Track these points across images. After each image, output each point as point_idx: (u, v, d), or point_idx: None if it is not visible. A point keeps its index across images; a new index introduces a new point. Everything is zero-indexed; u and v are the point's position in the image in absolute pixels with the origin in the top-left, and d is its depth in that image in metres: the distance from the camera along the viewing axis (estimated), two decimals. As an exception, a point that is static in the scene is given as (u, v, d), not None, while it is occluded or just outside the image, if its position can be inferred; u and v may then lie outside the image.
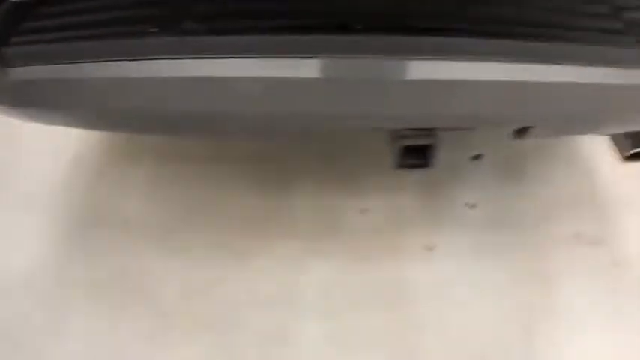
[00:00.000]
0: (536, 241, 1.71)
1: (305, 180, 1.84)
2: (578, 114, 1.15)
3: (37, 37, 1.11)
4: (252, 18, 1.07)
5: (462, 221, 1.75)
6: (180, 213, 1.75)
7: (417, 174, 1.82)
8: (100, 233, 1.71)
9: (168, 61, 1.00)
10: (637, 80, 1.09)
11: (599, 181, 1.93)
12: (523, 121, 1.16)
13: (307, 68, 1.00)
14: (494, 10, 1.09)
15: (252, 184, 1.82)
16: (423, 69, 1.01)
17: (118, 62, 1.03)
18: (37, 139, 1.89)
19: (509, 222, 1.76)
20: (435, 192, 1.84)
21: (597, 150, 1.97)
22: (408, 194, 1.82)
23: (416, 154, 1.19)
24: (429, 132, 1.16)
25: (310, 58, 0.99)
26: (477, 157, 1.97)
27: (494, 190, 1.86)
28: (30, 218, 1.76)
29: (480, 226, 1.74)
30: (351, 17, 1.04)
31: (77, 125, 1.39)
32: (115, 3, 1.15)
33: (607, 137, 1.95)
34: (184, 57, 1.01)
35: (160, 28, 1.03)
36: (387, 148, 1.25)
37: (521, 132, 1.22)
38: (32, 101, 1.15)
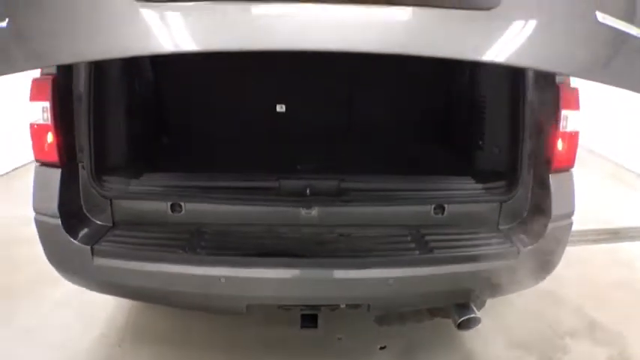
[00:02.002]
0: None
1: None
2: (393, 295, 2.13)
3: (111, 244, 2.16)
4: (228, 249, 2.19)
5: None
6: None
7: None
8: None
9: (184, 266, 2.06)
10: (427, 272, 2.08)
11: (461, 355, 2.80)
12: (360, 300, 2.17)
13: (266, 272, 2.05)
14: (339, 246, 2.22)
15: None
16: (312, 274, 2.08)
17: (157, 264, 2.07)
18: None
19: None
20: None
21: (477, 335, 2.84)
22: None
23: (309, 320, 2.18)
24: (315, 307, 2.18)
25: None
26: (382, 348, 2.86)
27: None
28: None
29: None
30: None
31: (129, 297, 2.42)
32: (158, 236, 2.23)
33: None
34: (192, 265, 2.07)
35: (183, 251, 2.12)
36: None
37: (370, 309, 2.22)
38: (106, 279, 2.16)
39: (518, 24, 1.59)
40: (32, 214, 2.23)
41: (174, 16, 1.56)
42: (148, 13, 1.54)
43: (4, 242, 3.89)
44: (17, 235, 3.74)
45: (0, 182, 5.41)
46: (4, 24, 1.53)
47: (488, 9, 1.55)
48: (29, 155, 2.25)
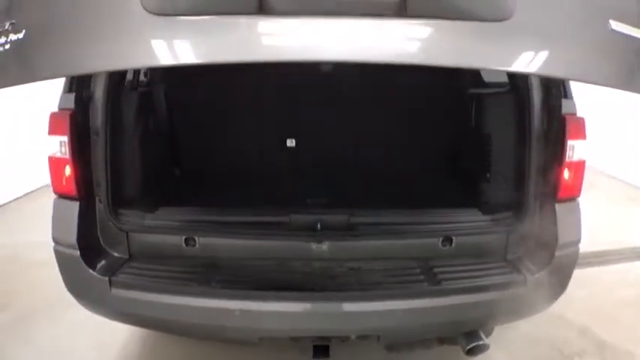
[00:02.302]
0: None
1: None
2: (402, 326, 2.18)
3: (128, 276, 2.21)
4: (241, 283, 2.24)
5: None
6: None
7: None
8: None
9: (199, 298, 2.12)
10: (436, 304, 2.12)
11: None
12: (370, 332, 2.21)
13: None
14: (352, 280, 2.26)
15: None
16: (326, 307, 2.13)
17: (173, 296, 2.13)
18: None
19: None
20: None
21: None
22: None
23: (321, 351, 2.23)
24: (326, 339, 2.23)
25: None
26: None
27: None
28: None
29: None
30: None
31: (145, 327, 2.47)
32: (173, 269, 2.29)
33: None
34: (207, 298, 2.13)
35: (198, 284, 2.18)
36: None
37: (380, 340, 2.26)
38: (123, 309, 2.22)
39: (530, 34, 1.63)
40: (46, 238, 2.30)
41: (186, 28, 1.57)
42: (161, 26, 1.56)
43: (22, 265, 3.98)
44: (34, 258, 3.83)
45: (13, 207, 5.52)
46: (21, 35, 1.57)
47: (501, 20, 1.59)
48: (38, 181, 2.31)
